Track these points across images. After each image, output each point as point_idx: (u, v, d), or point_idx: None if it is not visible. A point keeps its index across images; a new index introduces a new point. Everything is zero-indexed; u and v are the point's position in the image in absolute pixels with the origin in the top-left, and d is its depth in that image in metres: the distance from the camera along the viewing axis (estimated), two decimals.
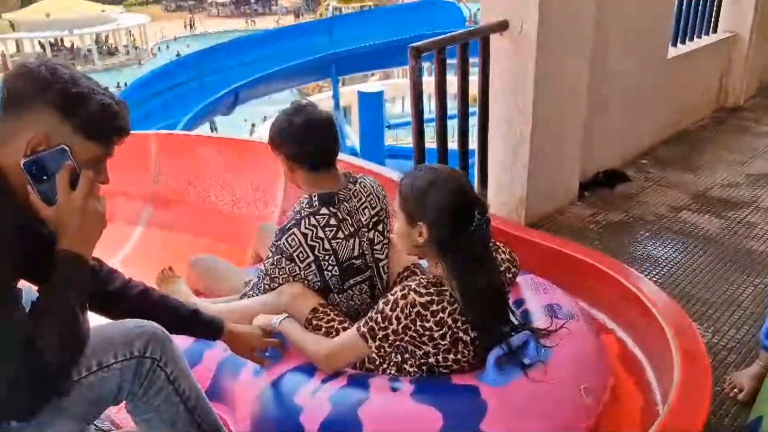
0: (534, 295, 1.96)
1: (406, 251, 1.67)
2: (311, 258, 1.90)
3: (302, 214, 1.90)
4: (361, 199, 1.98)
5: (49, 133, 1.22)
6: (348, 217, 1.94)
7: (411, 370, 1.65)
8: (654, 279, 2.71)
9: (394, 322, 1.54)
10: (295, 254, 1.89)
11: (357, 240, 1.96)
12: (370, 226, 2.00)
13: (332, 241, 1.91)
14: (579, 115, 3.40)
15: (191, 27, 48.80)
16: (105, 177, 1.34)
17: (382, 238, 2.04)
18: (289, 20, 48.89)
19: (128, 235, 3.84)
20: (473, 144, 3.12)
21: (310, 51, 11.92)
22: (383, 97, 9.93)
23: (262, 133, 19.42)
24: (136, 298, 1.60)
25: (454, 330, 1.55)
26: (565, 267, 2.22)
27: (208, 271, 2.49)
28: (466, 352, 1.59)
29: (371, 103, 9.68)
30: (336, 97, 12.21)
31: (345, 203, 1.94)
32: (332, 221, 1.90)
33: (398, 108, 21.71)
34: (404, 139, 14.59)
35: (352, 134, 11.53)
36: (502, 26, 2.97)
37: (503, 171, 3.25)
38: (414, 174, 1.62)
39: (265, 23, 47.10)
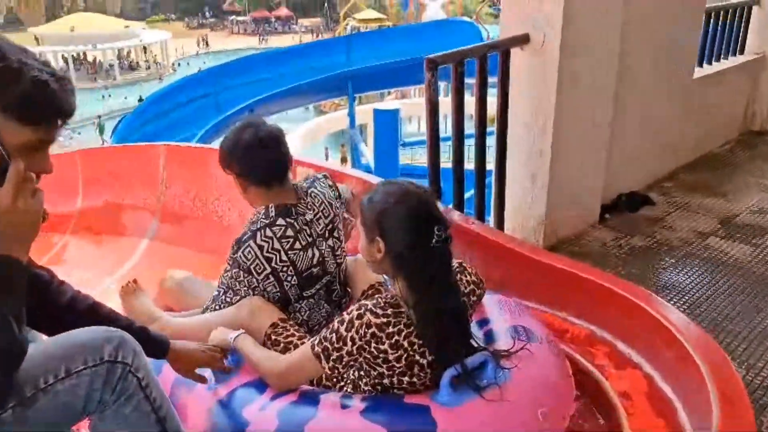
0: (500, 316, 1.88)
1: (371, 268, 1.62)
2: (268, 270, 1.88)
3: (258, 226, 1.88)
4: (314, 210, 1.99)
5: None
6: (306, 227, 1.94)
7: (366, 388, 1.60)
8: (680, 309, 2.55)
9: (349, 342, 1.49)
10: (251, 267, 1.87)
11: (315, 249, 1.96)
12: (327, 235, 2.01)
13: (289, 252, 1.89)
14: (602, 135, 3.26)
15: (206, 44, 49.58)
16: (44, 166, 1.19)
17: (339, 242, 2.06)
18: (308, 39, 49.37)
19: (134, 248, 3.75)
20: (491, 164, 3.00)
21: (327, 68, 11.90)
22: (399, 115, 9.85)
23: None
24: (85, 313, 1.49)
25: (410, 353, 1.50)
26: (585, 294, 2.08)
27: (180, 287, 2.41)
28: (422, 374, 1.54)
29: (386, 121, 9.60)
30: (351, 114, 12.17)
31: (302, 216, 1.94)
32: (289, 232, 1.89)
33: (414, 127, 21.70)
34: (420, 158, 14.49)
35: (366, 152, 11.45)
36: (523, 40, 2.85)
37: (522, 191, 3.11)
38: (375, 189, 1.58)
39: (284, 42, 47.60)
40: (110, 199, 4.19)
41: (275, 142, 1.93)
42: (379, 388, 1.57)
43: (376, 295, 1.56)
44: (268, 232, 1.88)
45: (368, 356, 1.50)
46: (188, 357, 1.67)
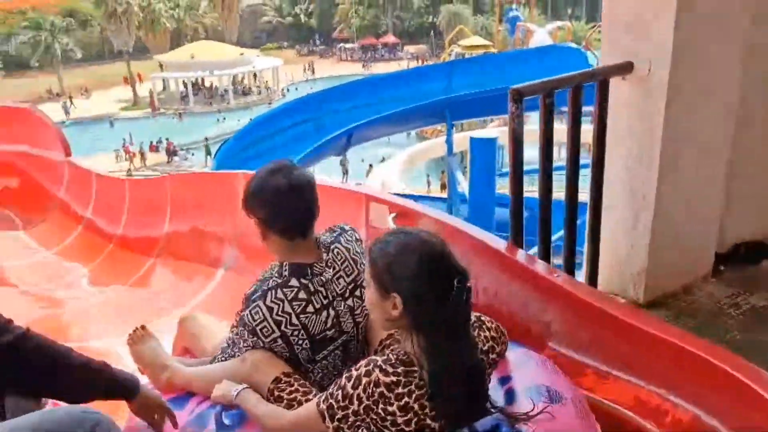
0: (523, 374, 1.75)
1: (382, 326, 1.54)
2: (277, 333, 1.74)
3: (269, 285, 1.74)
4: (335, 268, 1.82)
5: None
6: (322, 289, 1.78)
7: None
8: None
9: (355, 402, 1.40)
10: (258, 328, 1.74)
11: (331, 311, 1.80)
12: (347, 295, 1.84)
13: (301, 316, 1.75)
14: (716, 174, 2.86)
15: (312, 71, 51.53)
16: None
17: (360, 302, 1.87)
18: (413, 66, 49.98)
19: (211, 278, 3.73)
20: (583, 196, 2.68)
21: (427, 95, 11.82)
22: (496, 143, 9.54)
23: (378, 174, 19.67)
24: (33, 353, 1.38)
25: (421, 417, 1.40)
26: (690, 369, 1.73)
27: (196, 329, 2.27)
28: None
29: (483, 150, 9.32)
30: (449, 141, 11.99)
31: (319, 276, 1.78)
32: (301, 294, 1.74)
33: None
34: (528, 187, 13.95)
35: (462, 180, 11.21)
36: (626, 68, 2.54)
37: (620, 235, 2.77)
38: (385, 239, 1.46)
39: (390, 69, 48.43)
40: (195, 225, 4.22)
41: (306, 190, 1.78)
42: None
43: (387, 351, 1.48)
44: (280, 294, 1.73)
45: (376, 417, 1.40)
46: (155, 403, 1.63)
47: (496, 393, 1.56)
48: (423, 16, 62.10)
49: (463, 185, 11.08)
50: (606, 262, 2.78)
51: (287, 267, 1.77)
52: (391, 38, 59.63)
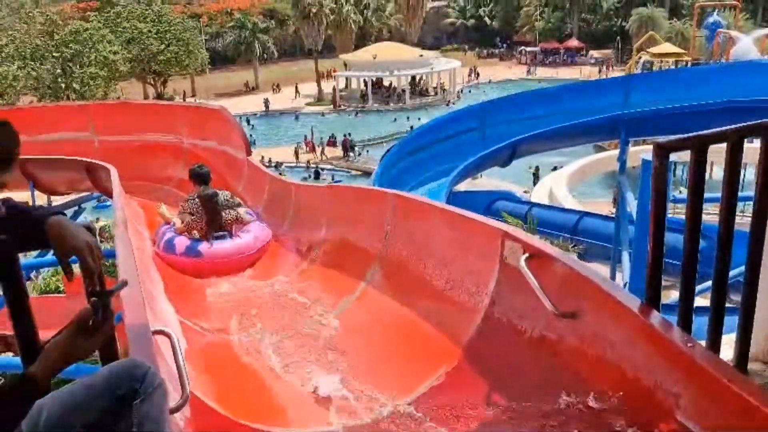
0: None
1: None
2: None
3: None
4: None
5: None
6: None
7: None
8: None
9: None
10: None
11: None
12: None
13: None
14: None
15: (477, 75, 51.33)
16: None
17: None
18: (595, 72, 47.79)
19: (353, 289, 3.91)
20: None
21: (599, 110, 11.24)
22: (672, 167, 8.84)
23: (546, 184, 19.10)
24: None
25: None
26: None
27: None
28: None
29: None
30: (622, 160, 11.29)
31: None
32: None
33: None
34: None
35: (632, 200, 10.53)
36: None
37: None
38: None
39: (573, 74, 46.72)
40: (345, 237, 4.46)
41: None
42: None
43: None
44: None
45: None
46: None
47: None
48: (612, 20, 58.93)
49: (632, 205, 10.42)
50: (761, 338, 2.52)
51: None
52: (574, 42, 57.35)
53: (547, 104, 11.55)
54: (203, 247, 5.02)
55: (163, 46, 38.17)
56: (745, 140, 2.28)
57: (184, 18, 44.98)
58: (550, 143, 11.98)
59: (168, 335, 2.01)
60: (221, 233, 5.14)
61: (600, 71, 48.01)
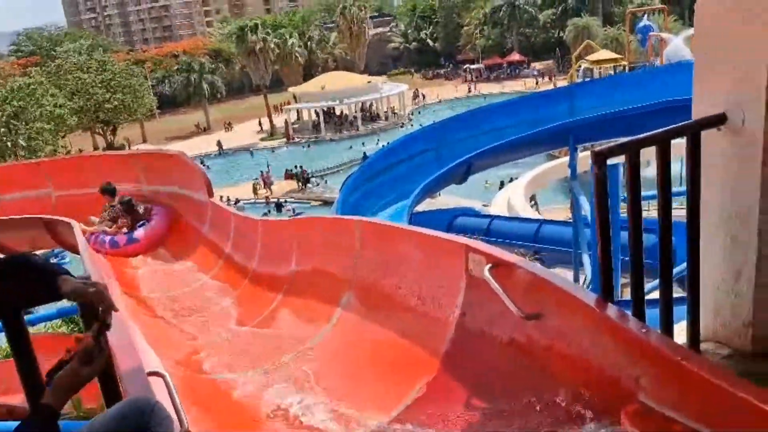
0: None
1: None
2: None
3: None
4: None
5: None
6: None
7: None
8: None
9: None
10: None
11: None
12: None
13: None
14: None
15: (423, 97, 52.94)
16: None
17: None
18: (541, 82, 49.18)
19: (329, 317, 4.02)
20: None
21: (548, 120, 11.69)
22: (621, 169, 9.24)
23: (503, 197, 19.58)
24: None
25: None
26: None
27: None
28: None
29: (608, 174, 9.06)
30: (573, 166, 11.74)
31: None
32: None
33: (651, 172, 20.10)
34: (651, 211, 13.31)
35: (585, 204, 10.94)
36: (719, 120, 2.54)
37: (722, 288, 2.73)
38: None
39: (516, 87, 48.00)
40: (316, 266, 4.59)
41: None
42: None
43: None
44: None
45: None
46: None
47: None
48: (549, 32, 60.88)
49: (586, 209, 10.83)
50: (708, 315, 2.74)
51: None
52: (516, 56, 58.99)
53: (497, 119, 11.94)
54: (137, 233, 7.21)
55: (108, 95, 37.92)
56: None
57: (128, 64, 44.74)
58: (504, 156, 12.37)
59: (162, 376, 2.11)
60: (142, 222, 7.31)
61: (537, 83, 49.62)
